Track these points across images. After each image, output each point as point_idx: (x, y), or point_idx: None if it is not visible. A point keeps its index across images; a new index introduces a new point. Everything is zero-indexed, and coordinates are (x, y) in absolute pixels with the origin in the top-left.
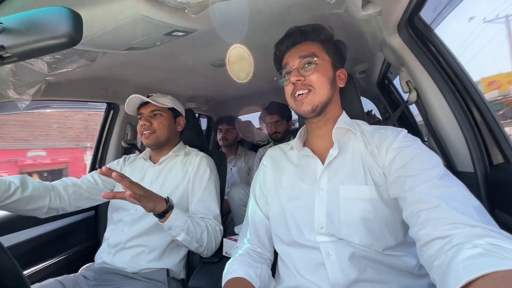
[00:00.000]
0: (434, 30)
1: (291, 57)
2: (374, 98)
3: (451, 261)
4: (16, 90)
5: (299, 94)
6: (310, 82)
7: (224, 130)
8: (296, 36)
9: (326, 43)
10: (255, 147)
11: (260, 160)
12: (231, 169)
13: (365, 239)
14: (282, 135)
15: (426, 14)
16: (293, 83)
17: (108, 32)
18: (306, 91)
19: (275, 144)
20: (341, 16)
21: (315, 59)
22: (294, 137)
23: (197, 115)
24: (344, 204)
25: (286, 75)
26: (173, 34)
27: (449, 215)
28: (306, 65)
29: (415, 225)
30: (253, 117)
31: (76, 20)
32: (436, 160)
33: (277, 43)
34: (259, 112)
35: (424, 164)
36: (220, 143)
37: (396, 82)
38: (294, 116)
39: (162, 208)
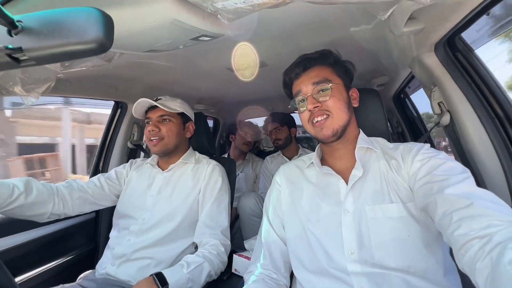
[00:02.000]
0: (475, 51)
1: (304, 84)
2: (387, 111)
3: (497, 264)
4: (24, 87)
5: (317, 121)
6: (327, 107)
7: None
8: (305, 62)
9: (336, 65)
10: (262, 154)
11: (267, 169)
12: (238, 174)
13: (402, 260)
14: (284, 141)
15: (467, 33)
16: (310, 110)
17: (134, 34)
18: (325, 116)
19: (283, 152)
20: (370, 29)
21: (330, 84)
22: (302, 145)
23: None
24: (373, 225)
25: (300, 102)
26: (199, 38)
27: (483, 213)
28: (321, 91)
29: (448, 227)
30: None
31: (107, 24)
32: (462, 168)
33: (286, 71)
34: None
35: (451, 170)
36: (243, 148)
37: (413, 97)
38: (298, 122)
39: None
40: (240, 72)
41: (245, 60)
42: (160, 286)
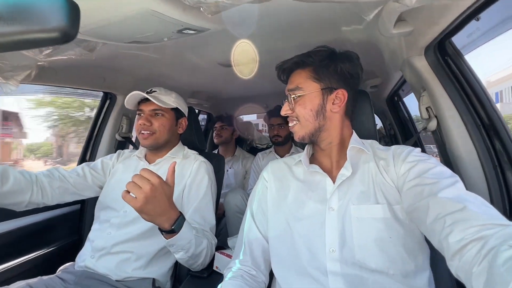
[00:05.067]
0: (465, 56)
1: (286, 89)
2: (380, 113)
3: (491, 267)
4: (2, 74)
5: (290, 125)
6: (297, 115)
7: (218, 128)
8: (288, 70)
9: (320, 67)
10: (253, 150)
11: (258, 165)
12: (227, 170)
13: (382, 262)
14: (283, 139)
15: (457, 38)
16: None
17: (112, 23)
18: (294, 122)
19: (275, 149)
20: (361, 30)
21: (298, 93)
22: (296, 144)
23: (196, 111)
24: (357, 225)
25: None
26: (183, 32)
27: (477, 216)
28: (293, 98)
29: (441, 232)
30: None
31: (72, 12)
32: (451, 172)
33: (278, 75)
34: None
35: (440, 174)
36: (215, 140)
37: (406, 99)
38: None
39: (163, 228)
40: (231, 68)
41: (236, 56)
42: (173, 226)
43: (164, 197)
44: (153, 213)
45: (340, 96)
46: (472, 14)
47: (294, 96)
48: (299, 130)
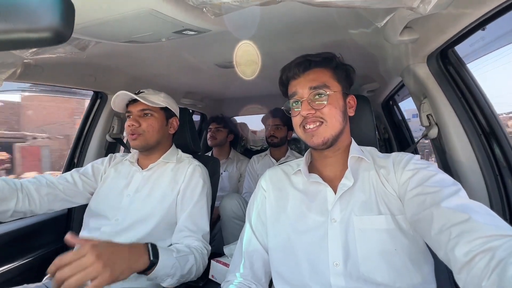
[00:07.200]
0: (467, 65)
1: (300, 86)
2: (375, 117)
3: (501, 281)
4: None
5: (309, 127)
6: (322, 115)
7: (213, 129)
8: (306, 64)
9: (337, 69)
10: (248, 152)
11: (253, 168)
12: (222, 173)
13: (388, 275)
14: (279, 141)
15: (460, 47)
16: (303, 116)
17: (107, 22)
18: (317, 124)
19: (271, 151)
20: (365, 35)
21: (328, 91)
22: (292, 148)
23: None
24: (360, 236)
25: (294, 104)
26: (183, 32)
27: (482, 227)
28: (317, 96)
29: (447, 244)
30: (248, 120)
31: (67, 10)
32: (453, 180)
33: (284, 68)
34: (256, 115)
35: (442, 182)
36: (209, 142)
37: (401, 104)
38: None
39: (144, 266)
40: (228, 69)
41: (234, 58)
42: (151, 257)
43: (113, 248)
44: (124, 266)
45: (351, 102)
46: (480, 24)
47: (322, 93)
48: (324, 131)
